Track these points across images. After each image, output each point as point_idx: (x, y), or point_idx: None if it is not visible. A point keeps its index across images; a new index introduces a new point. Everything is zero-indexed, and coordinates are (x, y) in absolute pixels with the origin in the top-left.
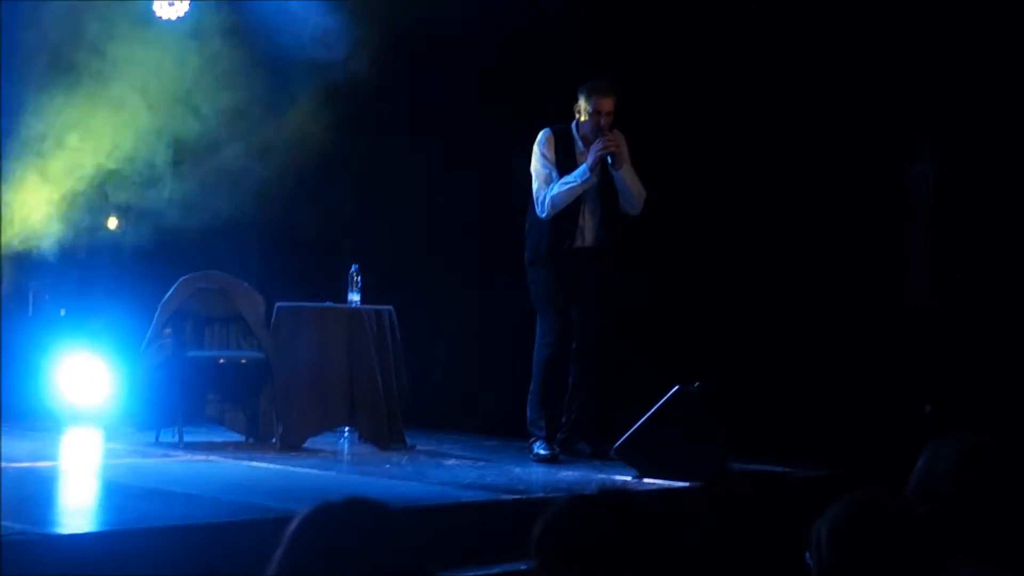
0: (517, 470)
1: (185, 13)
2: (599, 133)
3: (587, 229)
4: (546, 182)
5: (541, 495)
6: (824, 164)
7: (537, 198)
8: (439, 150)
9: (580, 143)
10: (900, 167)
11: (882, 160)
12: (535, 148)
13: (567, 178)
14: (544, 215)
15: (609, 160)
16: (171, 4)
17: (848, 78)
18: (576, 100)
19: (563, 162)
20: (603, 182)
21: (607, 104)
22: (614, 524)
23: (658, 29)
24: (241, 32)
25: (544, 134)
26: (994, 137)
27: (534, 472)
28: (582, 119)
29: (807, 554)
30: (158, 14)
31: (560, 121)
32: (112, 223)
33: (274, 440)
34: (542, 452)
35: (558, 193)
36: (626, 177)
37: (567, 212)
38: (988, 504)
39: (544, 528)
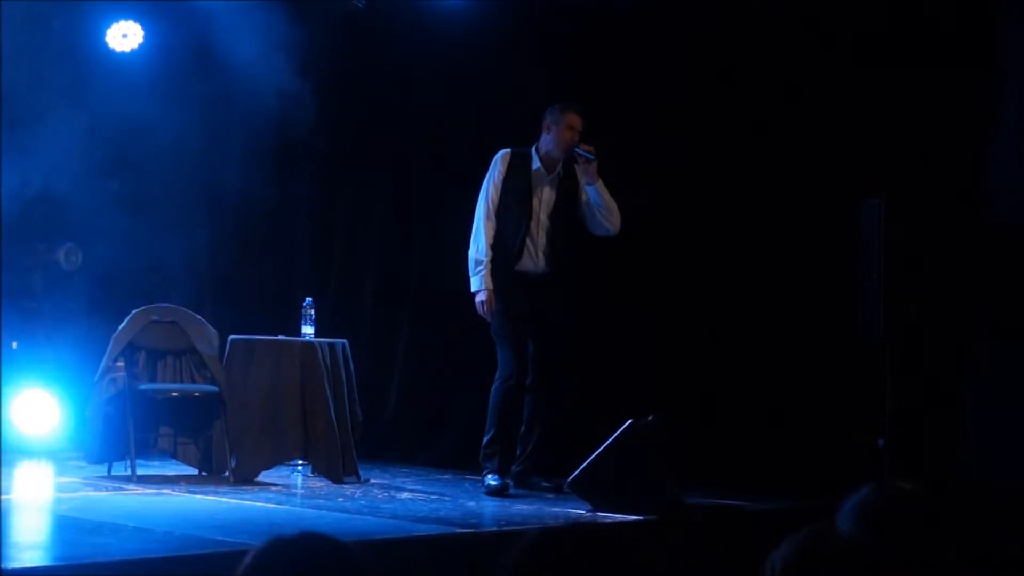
0: (471, 504)
1: (139, 46)
2: (571, 147)
3: (539, 251)
4: (486, 215)
5: (494, 529)
6: (778, 198)
7: (474, 230)
8: (392, 182)
9: (537, 162)
10: (853, 201)
11: (835, 194)
12: (489, 169)
13: (479, 265)
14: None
15: (585, 163)
16: (124, 37)
17: (802, 113)
18: (544, 119)
19: (515, 183)
20: (559, 203)
21: (578, 121)
22: (586, 557)
23: (614, 66)
24: (194, 65)
25: (499, 154)
26: (945, 173)
27: (487, 506)
28: (552, 134)
29: None
30: (111, 46)
31: (502, 142)
32: (63, 255)
33: (227, 473)
34: (492, 483)
35: (472, 260)
36: (602, 193)
37: (516, 232)
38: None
39: (516, 560)
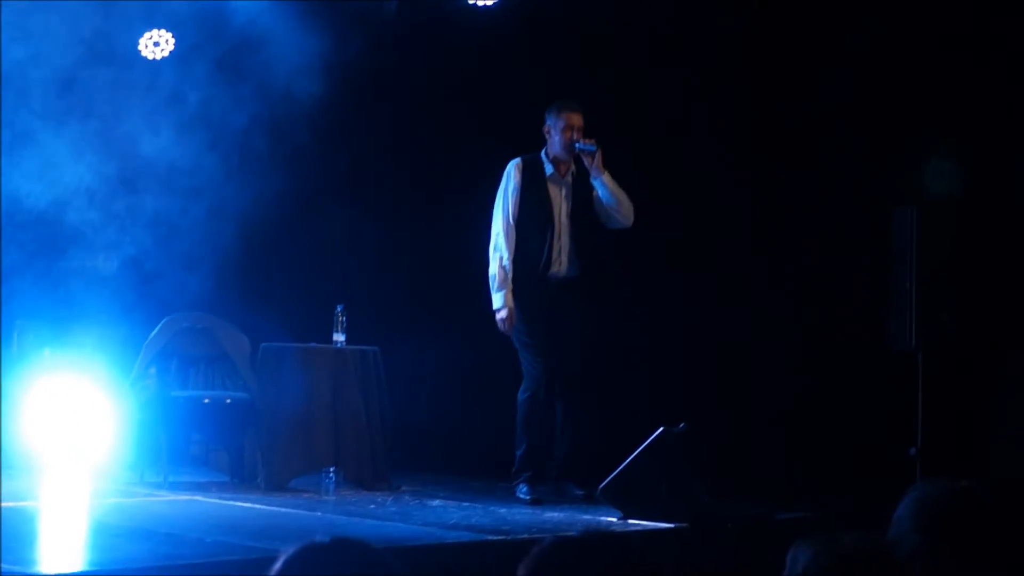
0: (502, 511)
1: (170, 53)
2: (573, 146)
3: (563, 254)
4: (506, 229)
5: (526, 536)
6: (810, 207)
7: (493, 244)
8: (423, 190)
9: (550, 167)
10: (885, 210)
11: (867, 203)
12: (502, 181)
13: (502, 282)
14: (489, 270)
15: (588, 157)
16: (156, 44)
17: (836, 121)
18: (544, 123)
19: (531, 191)
20: (576, 204)
21: (577, 119)
22: (599, 566)
23: (644, 69)
24: (223, 67)
25: (512, 164)
26: (979, 181)
27: (519, 513)
28: (554, 138)
29: None
30: (143, 54)
31: (533, 151)
32: (100, 261)
33: (259, 480)
34: (524, 496)
35: (493, 276)
36: (609, 184)
37: (539, 238)
38: (943, 551)
39: (529, 570)
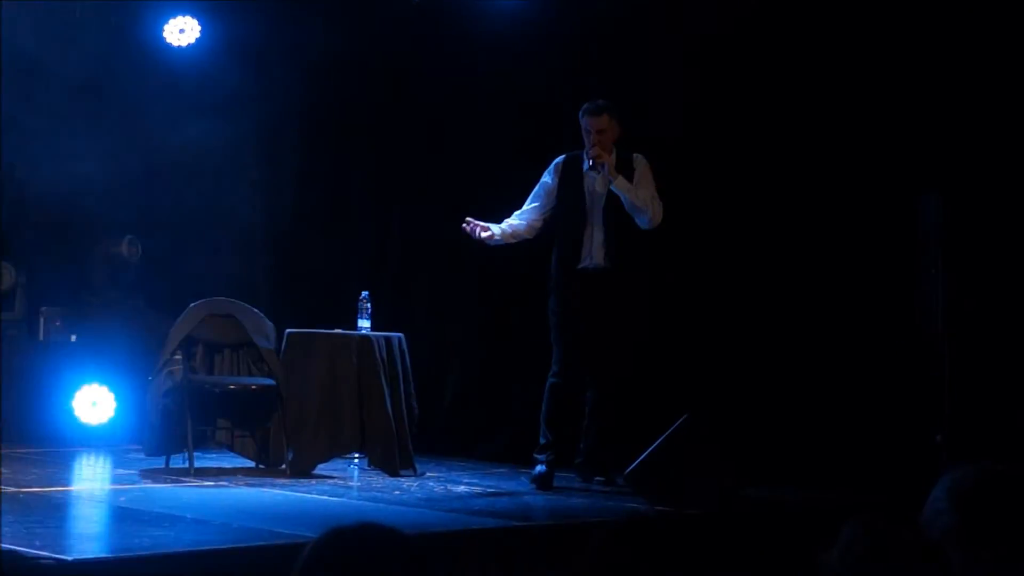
0: (527, 497)
1: (196, 41)
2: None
3: (595, 247)
4: (522, 211)
5: (550, 523)
6: (836, 192)
7: None
8: (451, 174)
9: (587, 163)
10: (911, 195)
11: (893, 188)
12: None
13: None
14: None
15: (602, 168)
16: (181, 32)
17: (860, 107)
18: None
19: (567, 186)
20: (611, 202)
21: (596, 123)
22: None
23: (673, 61)
24: (246, 57)
25: (555, 161)
26: (1006, 164)
27: (543, 500)
28: (584, 139)
29: None
30: (168, 40)
31: (575, 146)
32: (124, 247)
33: (284, 466)
34: (533, 472)
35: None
36: (621, 188)
37: (572, 231)
38: (972, 537)
39: (598, 544)
